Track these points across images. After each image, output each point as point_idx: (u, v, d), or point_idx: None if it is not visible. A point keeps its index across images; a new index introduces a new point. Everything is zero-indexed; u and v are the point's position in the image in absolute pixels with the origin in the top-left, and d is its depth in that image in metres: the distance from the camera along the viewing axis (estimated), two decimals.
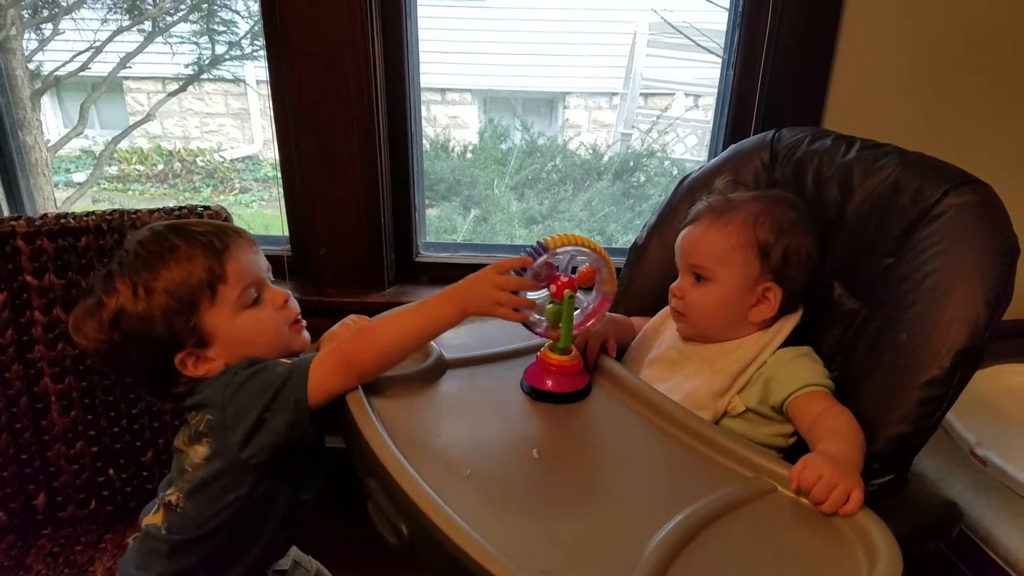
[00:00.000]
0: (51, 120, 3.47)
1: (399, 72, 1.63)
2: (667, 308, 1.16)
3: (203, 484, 0.99)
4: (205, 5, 2.71)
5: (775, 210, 1.08)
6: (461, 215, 2.65)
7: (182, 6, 2.67)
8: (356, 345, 1.00)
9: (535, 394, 1.06)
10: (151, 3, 2.69)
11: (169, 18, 2.73)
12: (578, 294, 1.04)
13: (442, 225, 2.63)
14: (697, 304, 1.09)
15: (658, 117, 3.17)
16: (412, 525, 0.84)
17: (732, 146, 1.27)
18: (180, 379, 1.03)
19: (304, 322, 1.11)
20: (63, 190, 3.14)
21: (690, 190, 1.26)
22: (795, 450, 1.04)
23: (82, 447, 1.37)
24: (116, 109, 3.73)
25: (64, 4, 2.56)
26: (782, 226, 1.07)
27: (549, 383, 1.05)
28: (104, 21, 2.73)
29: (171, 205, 1.35)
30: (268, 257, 1.77)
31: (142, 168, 3.62)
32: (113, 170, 3.65)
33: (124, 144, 3.61)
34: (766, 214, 1.07)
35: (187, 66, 2.75)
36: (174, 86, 3.20)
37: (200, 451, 0.99)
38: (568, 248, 1.01)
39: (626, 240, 2.43)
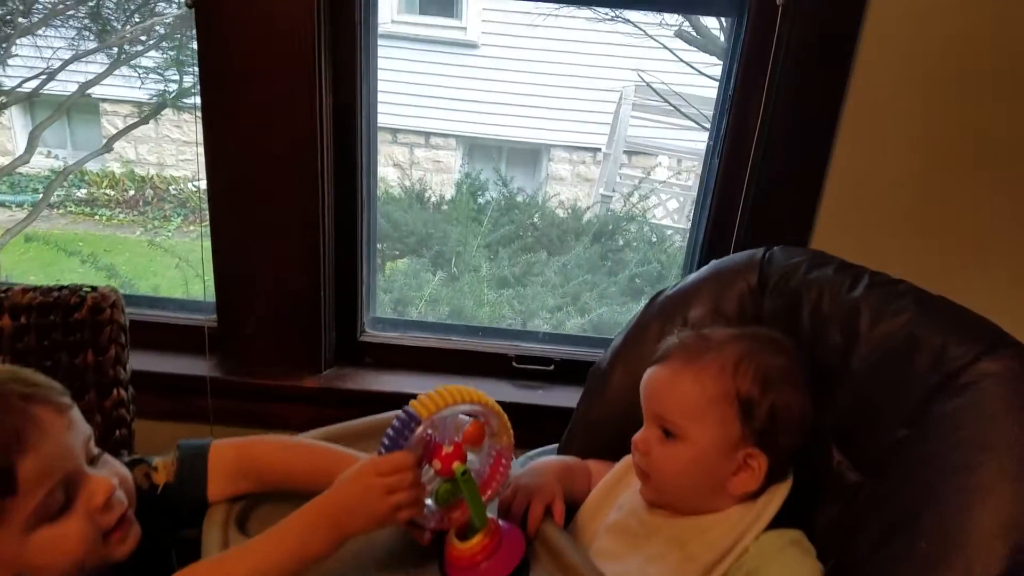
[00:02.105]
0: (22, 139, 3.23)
1: (350, 124, 1.37)
2: (630, 458, 0.91)
3: None
4: (178, 35, 2.48)
5: (760, 355, 0.84)
6: (430, 271, 2.42)
7: (152, 35, 2.43)
8: None
9: None
10: (119, 28, 2.45)
11: (139, 47, 2.50)
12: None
13: (407, 282, 2.38)
14: (664, 466, 0.85)
15: (640, 181, 2.94)
16: None
17: (714, 263, 1.03)
18: None
19: (130, 521, 0.78)
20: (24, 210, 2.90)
21: (663, 310, 1.02)
22: None
23: None
24: (91, 131, 3.49)
25: (24, 22, 2.32)
26: (768, 376, 0.83)
27: None
28: (71, 42, 2.50)
29: (59, 285, 1.08)
30: (186, 327, 1.57)
31: (112, 193, 3.37)
32: (83, 193, 3.41)
33: (95, 167, 3.36)
34: (748, 360, 0.83)
35: (152, 97, 2.51)
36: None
37: None
38: (445, 412, 0.77)
39: (600, 312, 2.20)
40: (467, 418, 0.80)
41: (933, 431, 0.78)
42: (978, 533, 0.70)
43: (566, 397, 1.43)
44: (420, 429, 0.75)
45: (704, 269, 1.03)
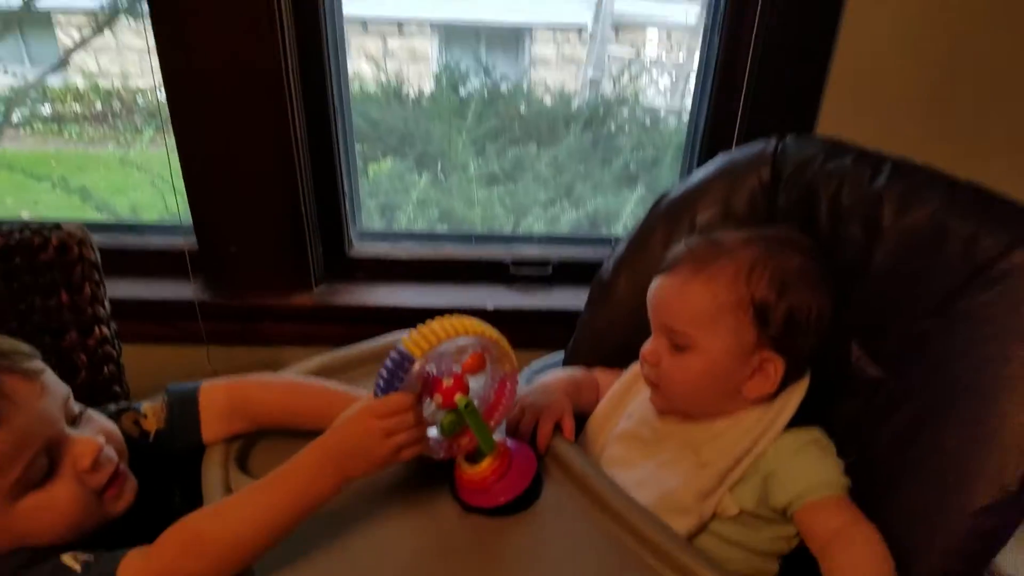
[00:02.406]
0: None
1: (313, 16, 1.24)
2: (638, 364, 0.87)
3: None
4: None
5: (776, 257, 0.78)
6: (416, 172, 2.32)
7: None
8: (184, 547, 0.68)
9: (466, 507, 0.78)
10: None
11: None
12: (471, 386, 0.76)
13: (393, 186, 2.28)
14: (675, 377, 0.80)
15: (630, 62, 2.79)
16: None
17: (721, 157, 0.95)
18: None
19: (124, 476, 0.75)
20: None
21: (669, 213, 0.94)
22: (798, 554, 0.78)
23: None
24: (48, 46, 3.26)
25: None
26: (785, 279, 0.77)
27: (477, 499, 0.77)
28: None
29: (20, 224, 1.00)
30: (164, 252, 1.49)
31: (78, 108, 3.20)
32: (48, 110, 3.23)
33: (57, 82, 3.17)
34: (764, 263, 0.77)
35: (102, 6, 2.31)
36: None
37: None
38: (440, 348, 0.71)
39: (595, 204, 2.13)
40: (467, 348, 0.75)
41: (961, 324, 0.73)
42: (1011, 428, 0.66)
43: (566, 299, 1.39)
44: (415, 368, 0.71)
45: (710, 165, 0.95)
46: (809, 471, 0.76)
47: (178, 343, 1.45)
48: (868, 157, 0.85)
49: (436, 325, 0.72)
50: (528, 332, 1.39)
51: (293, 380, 0.89)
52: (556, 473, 0.82)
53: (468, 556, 0.74)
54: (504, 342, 0.77)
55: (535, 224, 2.05)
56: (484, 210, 2.24)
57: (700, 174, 0.95)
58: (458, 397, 0.73)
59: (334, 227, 1.43)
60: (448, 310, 1.38)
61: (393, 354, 0.71)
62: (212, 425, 0.85)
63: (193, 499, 0.81)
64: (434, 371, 0.74)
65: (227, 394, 0.86)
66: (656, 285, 0.82)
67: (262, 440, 0.87)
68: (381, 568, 0.72)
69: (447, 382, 0.74)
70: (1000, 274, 0.71)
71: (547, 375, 0.96)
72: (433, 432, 0.77)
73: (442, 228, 1.85)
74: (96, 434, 0.73)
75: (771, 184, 0.90)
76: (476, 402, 0.76)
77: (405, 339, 0.71)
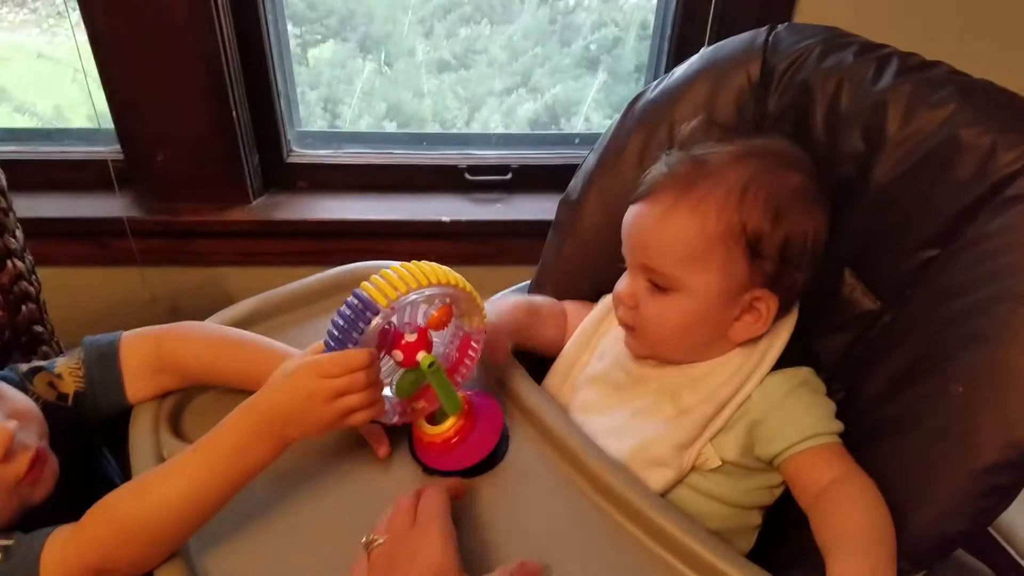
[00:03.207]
0: None
1: None
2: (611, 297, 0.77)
3: None
4: None
5: (770, 177, 0.67)
6: (360, 58, 2.13)
7: None
8: (108, 532, 0.59)
9: (426, 469, 0.70)
10: None
11: None
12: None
13: (335, 74, 2.09)
14: (655, 321, 0.71)
15: None
16: None
17: (704, 53, 0.82)
18: None
19: (43, 460, 0.65)
20: None
21: (644, 120, 0.82)
22: (783, 503, 0.72)
23: None
24: None
25: None
26: (781, 203, 0.66)
27: (440, 462, 0.69)
28: None
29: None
30: (88, 162, 1.33)
31: None
32: None
33: None
34: (757, 185, 0.66)
35: None
36: None
37: None
38: (408, 298, 0.61)
39: (554, 92, 1.98)
40: (436, 292, 0.64)
41: (971, 254, 0.64)
42: (1021, 377, 0.59)
43: (528, 208, 1.28)
44: (378, 320, 0.60)
45: (692, 62, 0.82)
46: (799, 418, 0.68)
47: (108, 264, 1.32)
48: (872, 51, 0.73)
49: (404, 272, 0.61)
50: (488, 245, 1.30)
51: (225, 334, 0.78)
52: (523, 426, 0.74)
53: None
54: (476, 297, 0.67)
55: (491, 117, 1.90)
56: (435, 101, 2.07)
57: (679, 72, 0.82)
58: (421, 356, 0.64)
59: (270, 129, 1.28)
60: (399, 223, 1.28)
61: (352, 301, 0.60)
62: (136, 383, 0.75)
63: (126, 462, 0.72)
64: (395, 324, 0.64)
65: (152, 347, 0.75)
66: (632, 215, 0.70)
67: (197, 397, 0.77)
68: (333, 539, 0.64)
69: (409, 337, 0.64)
70: (1019, 194, 0.62)
71: (504, 298, 0.86)
72: (387, 393, 0.67)
73: (390, 126, 1.69)
74: (6, 418, 0.62)
75: (761, 84, 0.78)
76: (440, 361, 0.67)
77: (367, 285, 0.60)
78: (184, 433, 0.74)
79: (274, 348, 0.75)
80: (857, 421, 0.69)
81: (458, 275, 0.64)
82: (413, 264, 0.62)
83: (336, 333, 0.61)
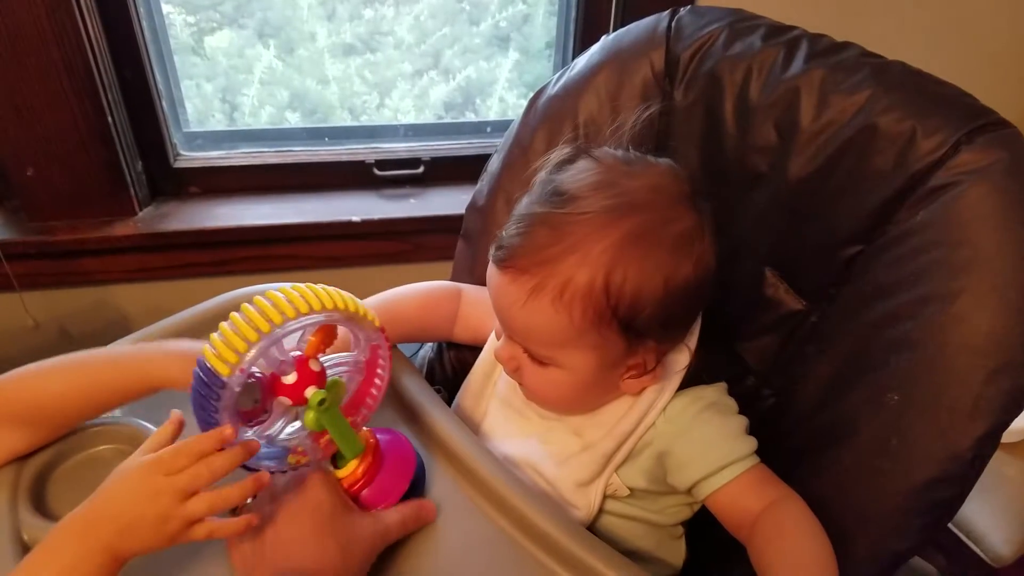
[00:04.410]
0: None
1: None
2: None
3: None
4: None
5: (642, 243, 0.57)
6: (259, 44, 1.99)
7: None
8: None
9: None
10: None
11: None
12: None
13: (233, 64, 1.95)
14: (539, 389, 0.64)
15: None
16: None
17: (605, 41, 0.74)
18: None
19: None
20: None
21: (548, 117, 0.74)
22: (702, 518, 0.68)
23: None
24: None
25: None
26: (662, 264, 0.57)
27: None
28: None
29: None
30: None
31: None
32: None
33: None
34: (631, 253, 0.56)
35: None
36: None
37: None
38: (256, 350, 0.51)
39: (466, 73, 1.89)
40: (303, 324, 0.56)
41: (896, 250, 0.60)
42: (963, 382, 0.55)
43: (442, 203, 1.20)
44: (229, 387, 0.51)
45: (594, 51, 0.74)
46: (711, 445, 0.62)
47: None
48: (780, 35, 0.67)
49: (251, 314, 0.51)
50: (402, 243, 1.21)
51: (73, 357, 0.66)
52: (441, 462, 0.67)
53: None
54: (354, 304, 0.58)
55: (402, 102, 1.80)
56: (341, 88, 1.95)
57: (581, 63, 0.74)
58: (311, 392, 0.55)
59: (153, 133, 1.16)
60: (305, 226, 1.18)
61: (197, 372, 0.51)
62: None
63: None
64: (262, 372, 0.55)
65: None
66: (495, 284, 0.61)
67: (64, 463, 0.67)
68: None
69: (288, 379, 0.56)
70: (942, 184, 0.58)
71: (393, 293, 0.76)
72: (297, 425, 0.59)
73: (294, 116, 1.58)
74: None
75: (666, 74, 0.71)
76: (345, 379, 0.59)
77: (207, 349, 0.51)
78: (49, 508, 0.64)
79: (143, 352, 0.64)
80: (793, 428, 0.65)
81: (323, 291, 0.55)
82: (262, 297, 0.52)
83: (196, 415, 0.53)
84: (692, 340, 0.65)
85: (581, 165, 0.60)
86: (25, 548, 0.59)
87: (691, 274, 0.58)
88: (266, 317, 0.51)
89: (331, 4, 2.11)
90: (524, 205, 0.60)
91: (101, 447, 0.68)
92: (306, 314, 0.53)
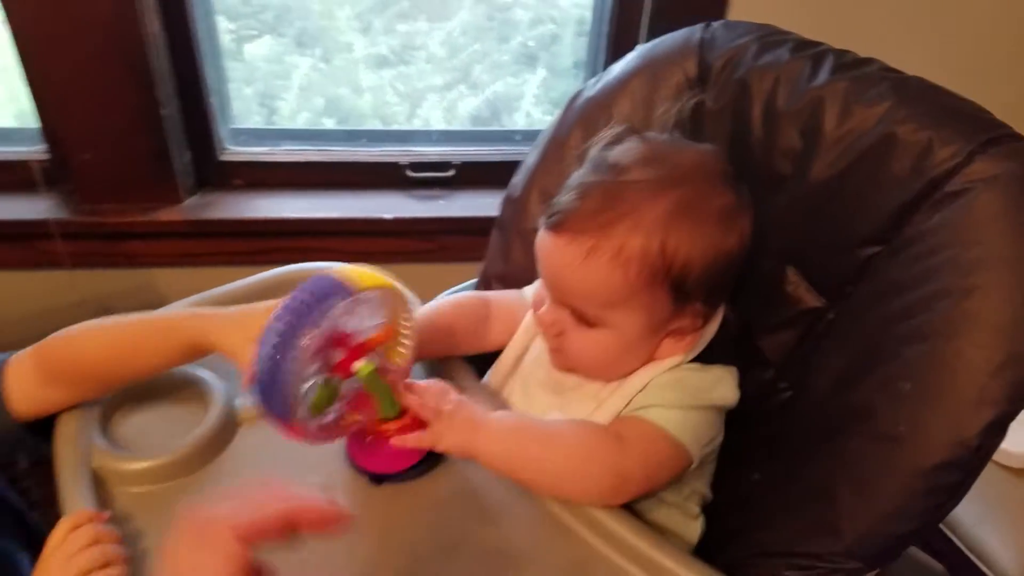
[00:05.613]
0: None
1: None
2: None
3: None
4: None
5: (690, 212, 0.61)
6: (297, 53, 2.04)
7: None
8: None
9: (371, 477, 0.65)
10: None
11: None
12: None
13: (272, 70, 2.01)
14: (584, 353, 0.67)
15: None
16: None
17: (641, 50, 0.78)
18: None
19: None
20: None
21: (584, 117, 0.78)
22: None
23: None
24: None
25: None
26: (708, 233, 0.62)
27: (382, 463, 0.64)
28: None
29: None
30: (14, 163, 1.23)
31: None
32: None
33: None
34: (682, 220, 0.61)
35: None
36: None
37: None
38: (372, 295, 0.55)
39: (494, 88, 1.93)
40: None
41: (911, 250, 0.62)
42: (970, 373, 0.57)
43: (470, 205, 1.23)
44: (341, 304, 0.54)
45: (629, 59, 0.78)
46: (658, 395, 0.66)
47: (38, 268, 1.23)
48: (807, 48, 0.71)
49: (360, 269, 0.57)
50: (430, 242, 1.25)
51: (117, 320, 0.70)
52: None
53: (388, 526, 0.62)
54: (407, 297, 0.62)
55: (431, 113, 1.84)
56: (374, 97, 2.00)
57: (617, 69, 0.78)
58: (362, 367, 0.58)
59: (202, 126, 1.20)
60: (340, 221, 1.22)
61: (321, 282, 0.54)
62: (22, 403, 0.67)
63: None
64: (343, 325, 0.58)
65: (29, 360, 0.68)
66: (548, 248, 0.64)
67: (128, 403, 0.71)
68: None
69: (337, 354, 0.58)
70: (957, 190, 0.60)
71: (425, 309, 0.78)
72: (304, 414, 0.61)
73: (329, 122, 1.62)
74: None
75: (698, 81, 0.75)
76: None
77: (330, 271, 0.55)
78: (116, 436, 0.67)
79: (180, 310, 0.68)
80: (806, 419, 0.67)
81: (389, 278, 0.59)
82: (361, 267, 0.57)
83: (290, 316, 0.54)
84: (717, 318, 0.68)
85: (630, 143, 0.64)
86: (94, 475, 0.62)
87: (735, 245, 0.63)
88: (369, 276, 0.56)
89: (367, 17, 2.18)
90: (577, 176, 0.64)
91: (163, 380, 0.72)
92: (383, 287, 0.58)
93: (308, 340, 0.53)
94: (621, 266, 0.60)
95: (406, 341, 0.64)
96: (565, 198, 0.63)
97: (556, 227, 0.62)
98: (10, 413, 0.67)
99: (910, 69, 0.69)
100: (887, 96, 0.65)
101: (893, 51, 0.71)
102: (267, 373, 0.53)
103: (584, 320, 0.64)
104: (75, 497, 0.60)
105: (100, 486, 0.63)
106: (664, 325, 0.65)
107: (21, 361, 0.68)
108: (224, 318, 0.66)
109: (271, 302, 0.58)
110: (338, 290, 0.53)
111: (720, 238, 0.62)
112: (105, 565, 0.55)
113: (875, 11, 1.07)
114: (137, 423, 0.69)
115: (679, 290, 0.62)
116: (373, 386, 0.60)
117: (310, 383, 0.57)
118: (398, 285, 0.60)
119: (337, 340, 0.58)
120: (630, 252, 0.60)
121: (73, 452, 0.65)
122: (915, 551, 0.80)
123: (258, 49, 2.06)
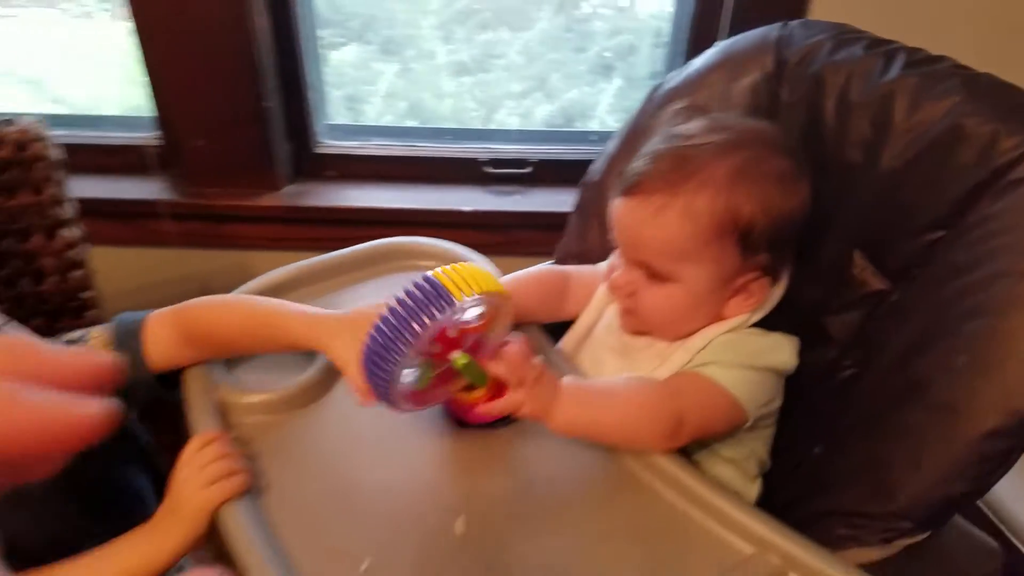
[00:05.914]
0: None
1: None
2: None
3: None
4: None
5: (754, 170, 0.67)
6: (382, 61, 2.15)
7: None
8: None
9: (462, 424, 0.71)
10: None
11: None
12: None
13: (358, 75, 2.11)
14: (655, 308, 0.71)
15: None
16: None
17: (721, 46, 0.83)
18: None
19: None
20: None
21: (664, 106, 0.83)
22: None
23: None
24: None
25: None
26: (766, 195, 0.67)
27: (469, 416, 0.70)
28: None
29: None
30: (129, 147, 1.35)
31: None
32: None
33: None
34: (745, 177, 0.66)
35: None
36: None
37: None
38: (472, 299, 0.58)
39: (569, 96, 1.99)
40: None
41: (974, 234, 0.66)
42: (1022, 348, 0.60)
43: (545, 201, 1.29)
44: (444, 315, 0.56)
45: (709, 54, 0.84)
46: (719, 353, 0.70)
47: (146, 245, 1.34)
48: (880, 46, 0.75)
49: (471, 273, 0.58)
50: (506, 237, 1.31)
51: (240, 298, 0.79)
52: None
53: (466, 490, 0.67)
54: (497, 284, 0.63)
55: (508, 119, 1.91)
56: (454, 102, 2.09)
57: (698, 63, 0.84)
58: (456, 355, 0.62)
59: (300, 121, 1.30)
60: (422, 212, 1.30)
61: (422, 285, 0.57)
62: (160, 359, 0.75)
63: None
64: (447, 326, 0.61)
65: (171, 320, 0.75)
66: (621, 211, 0.69)
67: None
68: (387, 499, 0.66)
69: (452, 333, 0.62)
70: (1019, 178, 0.64)
71: (509, 279, 0.82)
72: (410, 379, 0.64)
73: (411, 124, 1.71)
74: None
75: (775, 75, 0.80)
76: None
77: (441, 275, 0.57)
78: (244, 380, 0.75)
79: (298, 313, 0.74)
80: (868, 395, 0.71)
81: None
82: (468, 266, 0.59)
83: (403, 311, 0.57)
84: (780, 288, 0.73)
85: (696, 119, 0.71)
86: (218, 406, 0.70)
87: (795, 205, 0.68)
88: (482, 280, 0.58)
89: (450, 26, 2.28)
90: (646, 148, 0.70)
91: None
92: (491, 293, 0.60)
93: (410, 349, 0.57)
94: (691, 219, 0.65)
95: (501, 328, 0.67)
96: (636, 164, 0.69)
97: (629, 190, 0.68)
98: (147, 365, 0.75)
99: (982, 68, 0.72)
100: (956, 91, 0.69)
101: (966, 51, 0.74)
102: (371, 377, 0.59)
103: (657, 276, 0.69)
104: (204, 420, 0.68)
105: (223, 415, 0.71)
106: (732, 279, 0.69)
107: (161, 322, 0.75)
108: (334, 325, 0.70)
109: (376, 306, 0.62)
110: (442, 299, 0.56)
111: (781, 198, 0.67)
112: (231, 475, 0.63)
113: (951, 12, 1.09)
114: (256, 365, 0.77)
115: (745, 242, 0.67)
116: (468, 372, 0.64)
117: (409, 371, 0.62)
118: (492, 274, 0.61)
119: (437, 337, 0.61)
120: (699, 207, 0.65)
121: (202, 387, 0.73)
122: (971, 528, 0.81)
123: (344, 56, 2.18)
